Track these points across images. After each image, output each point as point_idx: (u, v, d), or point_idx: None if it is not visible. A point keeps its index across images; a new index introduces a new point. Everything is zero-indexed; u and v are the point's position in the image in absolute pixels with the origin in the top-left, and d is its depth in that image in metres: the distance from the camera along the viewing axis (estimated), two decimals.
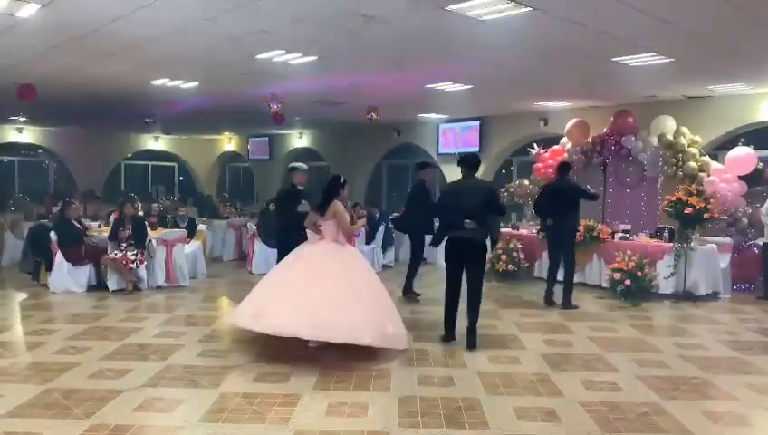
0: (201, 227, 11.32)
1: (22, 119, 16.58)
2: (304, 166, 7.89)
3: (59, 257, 8.69)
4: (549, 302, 8.05)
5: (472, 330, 5.94)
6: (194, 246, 10.32)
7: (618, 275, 8.49)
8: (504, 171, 14.85)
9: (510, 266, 9.97)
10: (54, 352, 5.70)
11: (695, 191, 8.62)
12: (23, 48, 7.58)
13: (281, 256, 6.79)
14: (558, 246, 8.08)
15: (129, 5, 5.80)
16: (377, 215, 11.79)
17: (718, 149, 10.88)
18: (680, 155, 10.10)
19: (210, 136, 22.28)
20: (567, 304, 7.90)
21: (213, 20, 6.24)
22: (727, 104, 10.35)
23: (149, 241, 9.05)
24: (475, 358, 5.63)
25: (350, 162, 17.12)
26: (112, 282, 8.73)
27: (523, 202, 12.48)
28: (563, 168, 8.31)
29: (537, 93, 11.02)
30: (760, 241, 9.13)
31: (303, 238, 6.60)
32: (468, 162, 6.19)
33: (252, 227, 10.97)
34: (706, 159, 10.10)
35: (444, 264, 6.21)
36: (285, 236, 7.23)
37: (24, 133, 18.54)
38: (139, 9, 5.87)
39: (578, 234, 9.52)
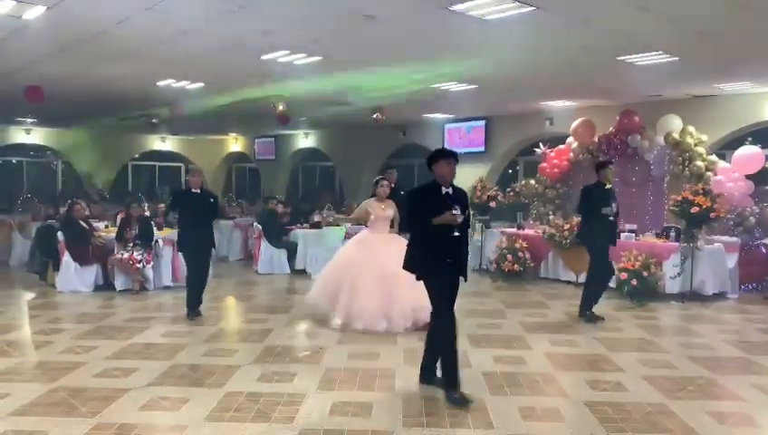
0: None
1: (30, 120, 16.68)
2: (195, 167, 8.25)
3: (66, 257, 8.76)
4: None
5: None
6: None
7: (624, 275, 8.44)
8: (510, 171, 14.83)
9: (516, 266, 9.95)
10: (61, 351, 5.74)
11: (701, 191, 8.58)
12: (30, 50, 7.63)
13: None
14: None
15: (133, 8, 5.84)
16: None
17: (725, 148, 10.82)
18: (687, 154, 10.06)
19: (216, 136, 22.34)
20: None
21: (217, 21, 6.26)
22: (734, 103, 10.29)
23: (156, 241, 9.11)
24: (479, 358, 5.63)
25: (356, 162, 17.13)
26: (119, 282, 8.79)
27: (528, 202, 12.44)
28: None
29: (542, 93, 10.99)
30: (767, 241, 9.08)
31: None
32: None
33: (258, 227, 11.00)
34: (713, 158, 10.05)
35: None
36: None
37: (32, 134, 18.64)
38: (143, 11, 5.90)
39: None
